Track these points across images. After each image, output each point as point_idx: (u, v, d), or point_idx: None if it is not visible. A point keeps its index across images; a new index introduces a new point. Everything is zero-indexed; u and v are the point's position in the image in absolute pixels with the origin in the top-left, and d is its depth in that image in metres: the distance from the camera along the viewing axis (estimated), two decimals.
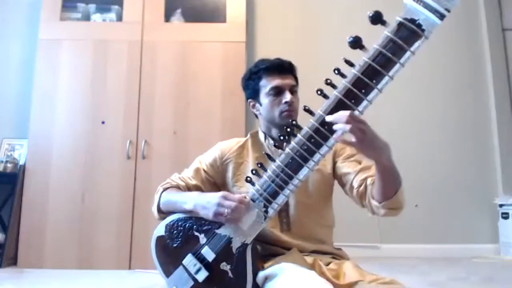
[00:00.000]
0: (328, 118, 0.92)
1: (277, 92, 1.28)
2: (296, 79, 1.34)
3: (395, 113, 3.35)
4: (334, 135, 0.94)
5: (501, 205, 3.14)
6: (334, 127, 0.92)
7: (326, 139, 0.95)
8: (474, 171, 3.31)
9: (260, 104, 1.33)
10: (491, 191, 3.27)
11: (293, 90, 1.30)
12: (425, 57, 3.35)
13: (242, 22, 2.98)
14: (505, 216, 3.09)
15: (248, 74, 1.37)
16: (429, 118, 3.37)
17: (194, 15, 3.10)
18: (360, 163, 1.24)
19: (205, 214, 1.11)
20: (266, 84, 1.30)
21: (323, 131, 0.95)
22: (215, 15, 3.07)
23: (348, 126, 0.89)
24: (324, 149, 0.96)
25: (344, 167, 1.25)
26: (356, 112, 0.91)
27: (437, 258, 2.96)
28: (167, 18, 3.04)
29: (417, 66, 3.32)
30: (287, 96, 1.26)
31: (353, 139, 0.91)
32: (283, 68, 1.31)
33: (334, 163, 1.30)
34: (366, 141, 0.92)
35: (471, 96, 3.42)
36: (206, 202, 1.11)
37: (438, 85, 3.43)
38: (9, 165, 2.84)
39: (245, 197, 1.08)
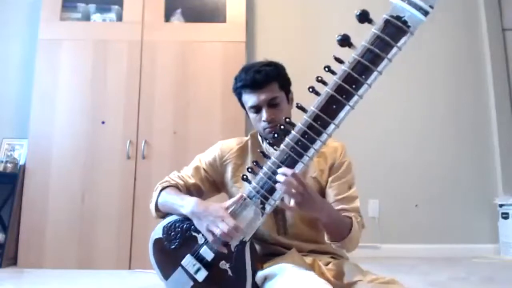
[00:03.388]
0: (278, 177, 1.02)
1: (256, 110, 1.26)
2: (282, 85, 1.28)
3: (395, 113, 3.35)
4: (276, 201, 1.04)
5: (501, 205, 3.13)
6: (276, 185, 1.02)
7: (319, 134, 0.98)
8: (474, 171, 3.31)
9: (248, 117, 1.34)
10: (491, 191, 3.27)
11: (272, 103, 1.24)
12: (425, 57, 3.36)
13: (242, 22, 2.98)
14: (505, 216, 3.09)
15: (233, 86, 1.34)
16: (429, 118, 3.37)
17: (194, 15, 3.10)
18: (350, 187, 1.26)
19: (198, 225, 1.12)
20: (246, 101, 1.29)
21: (317, 126, 0.98)
22: (215, 15, 3.07)
23: (287, 191, 1.00)
24: (318, 144, 0.99)
25: (331, 188, 1.26)
26: (347, 107, 0.95)
27: (437, 258, 2.96)
28: (167, 18, 3.04)
29: (417, 66, 3.35)
30: (264, 114, 1.24)
31: (292, 202, 1.02)
32: (258, 83, 1.24)
33: (329, 175, 1.28)
34: (304, 204, 1.02)
35: (471, 96, 3.42)
36: (202, 215, 1.11)
37: (438, 85, 3.43)
38: (9, 165, 2.84)
39: (242, 195, 1.08)
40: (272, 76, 1.26)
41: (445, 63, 3.45)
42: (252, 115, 1.29)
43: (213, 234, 1.07)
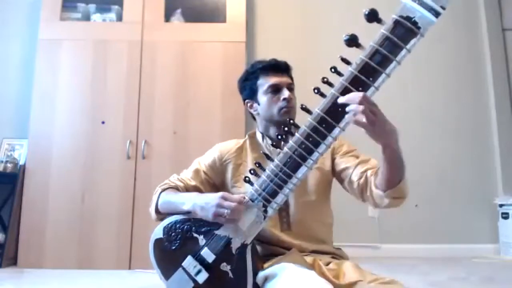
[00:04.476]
0: (341, 100, 0.91)
1: (275, 89, 1.31)
2: (291, 79, 1.37)
3: (395, 113, 3.32)
4: (346, 116, 0.92)
5: (501, 205, 3.14)
6: (347, 108, 0.91)
7: (324, 137, 0.96)
8: (474, 171, 3.31)
9: (258, 104, 1.34)
10: (491, 191, 3.27)
11: (290, 88, 1.32)
12: (425, 57, 3.36)
13: (242, 22, 2.98)
14: (505, 216, 3.09)
15: (244, 75, 1.40)
16: (429, 118, 3.37)
17: (194, 15, 3.10)
18: (357, 157, 1.27)
19: (204, 215, 1.11)
20: (264, 83, 1.32)
21: (321, 129, 0.95)
22: (215, 15, 3.07)
23: (361, 107, 0.88)
24: (322, 147, 0.96)
25: (342, 162, 1.28)
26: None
27: (437, 258, 2.96)
28: (167, 18, 3.04)
29: (417, 66, 3.35)
30: (285, 93, 1.29)
31: (364, 120, 0.89)
32: (280, 67, 1.34)
33: (333, 160, 1.32)
34: (378, 124, 0.91)
35: (471, 96, 3.42)
36: (204, 203, 1.11)
37: (438, 85, 3.43)
38: (9, 165, 2.84)
39: (244, 197, 1.08)
40: (289, 67, 1.38)
41: (445, 63, 3.45)
42: (268, 96, 1.31)
43: (221, 216, 1.06)
